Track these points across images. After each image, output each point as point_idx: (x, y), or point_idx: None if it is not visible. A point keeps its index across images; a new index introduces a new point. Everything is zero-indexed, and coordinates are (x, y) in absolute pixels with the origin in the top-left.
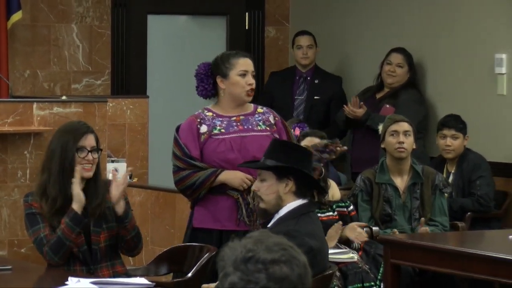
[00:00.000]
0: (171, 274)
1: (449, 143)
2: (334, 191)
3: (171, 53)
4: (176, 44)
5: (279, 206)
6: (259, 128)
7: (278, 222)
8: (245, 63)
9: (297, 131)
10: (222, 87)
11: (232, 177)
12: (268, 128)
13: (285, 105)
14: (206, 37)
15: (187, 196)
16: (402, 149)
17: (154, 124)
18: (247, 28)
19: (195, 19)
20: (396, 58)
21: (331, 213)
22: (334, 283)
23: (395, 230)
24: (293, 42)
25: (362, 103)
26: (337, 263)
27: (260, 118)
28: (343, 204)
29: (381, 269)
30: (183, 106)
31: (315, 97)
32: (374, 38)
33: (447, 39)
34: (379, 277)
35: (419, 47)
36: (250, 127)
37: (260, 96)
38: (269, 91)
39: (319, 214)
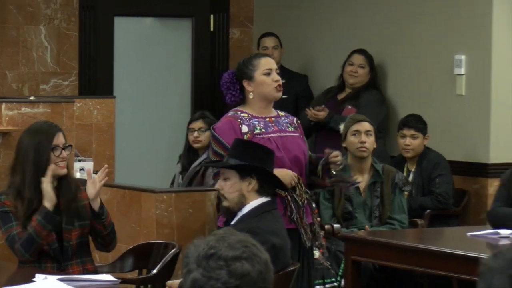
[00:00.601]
0: (137, 270)
1: (408, 142)
2: None
3: (137, 55)
4: (143, 46)
5: (242, 204)
6: (290, 129)
7: (241, 219)
8: (267, 62)
9: None
10: (250, 89)
11: (284, 174)
12: (295, 130)
13: None
14: (172, 38)
15: None
16: (364, 149)
17: (121, 123)
18: (212, 30)
19: (161, 21)
20: (358, 59)
21: None
22: None
23: (367, 227)
24: (258, 43)
25: (323, 106)
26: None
27: (286, 120)
28: None
29: (342, 265)
30: (149, 106)
31: (283, 96)
32: (336, 39)
33: (407, 40)
34: (340, 273)
35: (380, 48)
36: (282, 128)
37: None
38: None
39: None
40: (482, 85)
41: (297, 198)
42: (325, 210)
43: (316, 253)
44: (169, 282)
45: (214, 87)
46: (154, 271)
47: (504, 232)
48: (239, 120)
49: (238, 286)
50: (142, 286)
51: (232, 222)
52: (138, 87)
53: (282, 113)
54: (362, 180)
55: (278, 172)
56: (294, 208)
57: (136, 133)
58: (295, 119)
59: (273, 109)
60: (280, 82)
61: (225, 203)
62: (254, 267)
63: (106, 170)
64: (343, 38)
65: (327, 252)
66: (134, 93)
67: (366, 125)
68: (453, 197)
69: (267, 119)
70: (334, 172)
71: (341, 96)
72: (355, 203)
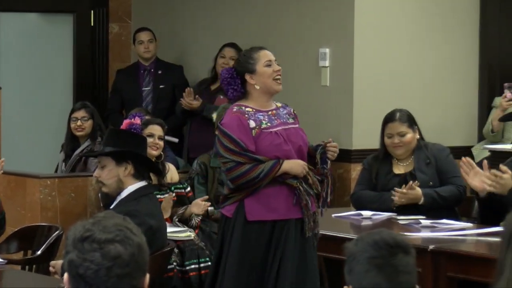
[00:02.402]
0: (22, 252)
1: None
2: (173, 174)
3: (22, 48)
4: (27, 40)
5: (120, 189)
6: (290, 121)
7: (120, 203)
8: (266, 54)
9: (137, 120)
10: (252, 82)
11: (294, 165)
12: (294, 121)
13: (134, 98)
14: (54, 33)
15: (244, 188)
16: None
17: (7, 114)
18: (92, 25)
19: (44, 17)
20: (229, 52)
21: None
22: (173, 259)
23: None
24: (134, 38)
25: (197, 96)
26: (175, 241)
27: (285, 111)
28: (181, 186)
29: None
30: (34, 97)
31: (160, 86)
32: (209, 34)
33: (275, 34)
34: (213, 253)
35: (250, 42)
36: (284, 120)
37: (110, 93)
38: (118, 87)
39: (158, 196)
40: (345, 77)
41: (308, 188)
42: (199, 194)
43: (192, 234)
44: (52, 262)
45: (94, 78)
46: (39, 252)
47: (366, 213)
48: (246, 115)
49: (111, 267)
50: (27, 266)
51: (111, 206)
52: (23, 79)
53: (279, 104)
54: None
55: (289, 162)
56: (308, 198)
57: (22, 122)
58: (292, 109)
59: (273, 102)
60: (281, 72)
61: (104, 189)
62: (127, 250)
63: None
64: (215, 32)
65: (202, 233)
66: (20, 84)
67: None
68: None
69: (270, 112)
70: (328, 162)
71: (214, 87)
72: None
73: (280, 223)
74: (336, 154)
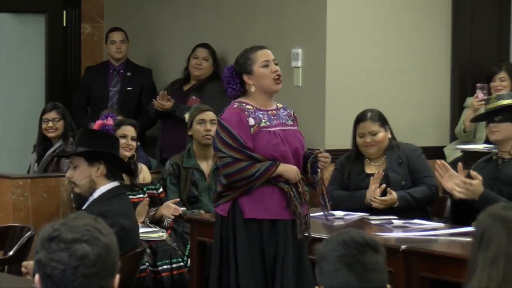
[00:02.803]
0: None
1: None
2: (145, 175)
3: None
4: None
5: (92, 189)
6: (289, 123)
7: (92, 204)
8: (264, 54)
9: (110, 121)
10: (250, 83)
11: (289, 170)
12: (293, 123)
13: (101, 97)
14: (27, 33)
15: (239, 186)
16: (209, 136)
17: None
18: (64, 25)
19: (16, 17)
20: (202, 52)
21: (141, 195)
22: (145, 260)
23: (202, 211)
24: (106, 38)
25: (169, 96)
26: (148, 241)
27: (285, 113)
28: (153, 187)
29: (188, 246)
30: (5, 99)
31: (128, 88)
32: (181, 35)
33: (248, 35)
34: (186, 253)
35: (223, 42)
36: (283, 121)
37: (77, 89)
38: (86, 84)
39: (131, 196)
40: (317, 77)
41: (299, 195)
42: (172, 194)
43: (164, 235)
44: (24, 263)
45: (66, 79)
46: (11, 253)
47: (338, 213)
48: (245, 113)
49: (77, 267)
50: None
51: (84, 207)
52: None
53: (280, 105)
54: (207, 166)
55: (285, 167)
56: (297, 203)
57: None
58: (292, 112)
59: (273, 102)
60: (279, 71)
61: (76, 190)
62: (93, 250)
63: None
64: (187, 33)
65: (174, 234)
66: None
67: (210, 114)
68: None
69: (270, 112)
70: (318, 170)
71: (186, 87)
72: (200, 187)
73: (278, 223)
74: (327, 165)
